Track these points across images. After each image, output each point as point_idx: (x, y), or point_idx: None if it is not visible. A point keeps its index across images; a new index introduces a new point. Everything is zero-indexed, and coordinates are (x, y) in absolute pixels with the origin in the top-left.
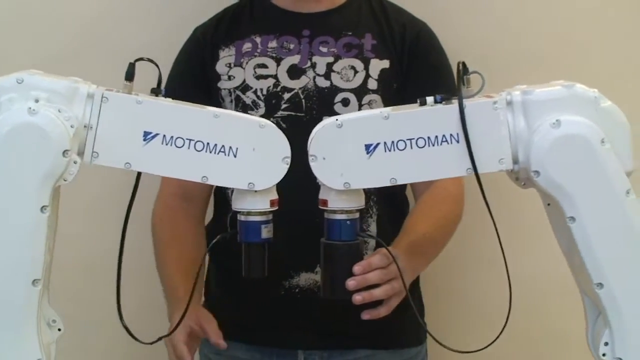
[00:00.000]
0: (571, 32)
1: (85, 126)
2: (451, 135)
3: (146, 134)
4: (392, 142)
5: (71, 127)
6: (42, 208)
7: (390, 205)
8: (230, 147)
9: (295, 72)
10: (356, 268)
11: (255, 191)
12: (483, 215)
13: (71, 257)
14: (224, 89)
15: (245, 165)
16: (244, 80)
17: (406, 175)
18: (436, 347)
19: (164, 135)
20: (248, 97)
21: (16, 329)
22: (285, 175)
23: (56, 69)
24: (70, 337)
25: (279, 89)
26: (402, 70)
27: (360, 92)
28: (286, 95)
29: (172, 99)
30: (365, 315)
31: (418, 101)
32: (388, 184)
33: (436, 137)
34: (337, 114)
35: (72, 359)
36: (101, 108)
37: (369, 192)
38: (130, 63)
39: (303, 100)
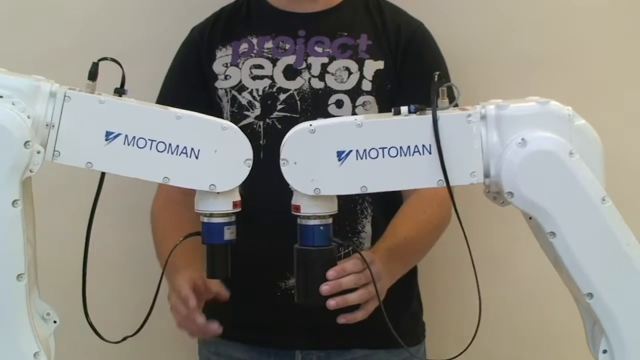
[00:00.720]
0: (570, 32)
1: (47, 125)
2: (423, 146)
3: (108, 133)
4: (365, 150)
5: (28, 117)
6: (14, 202)
7: (384, 206)
8: (192, 149)
9: (290, 72)
10: (330, 273)
11: (218, 193)
12: (481, 214)
13: (70, 257)
14: (221, 88)
15: (206, 166)
16: (240, 81)
17: (377, 184)
18: (434, 346)
19: (126, 135)
20: (244, 98)
21: (9, 326)
22: (281, 177)
23: (55, 69)
24: (70, 337)
25: (274, 89)
26: (396, 71)
27: (354, 93)
28: (282, 96)
29: (170, 98)
30: (341, 319)
31: (392, 110)
32: (358, 192)
33: (408, 147)
34: (331, 115)
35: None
36: (63, 107)
37: (364, 193)
38: (94, 63)
39: (298, 102)
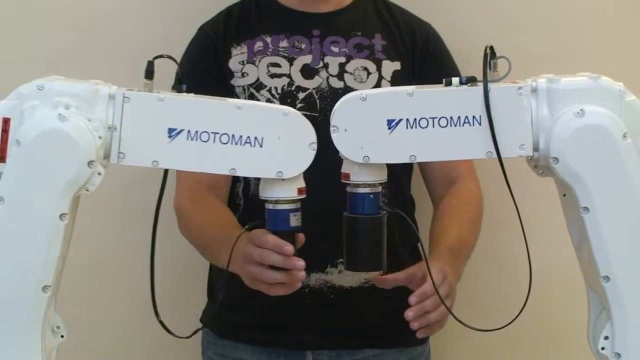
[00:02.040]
0: (576, 32)
1: (109, 127)
2: (474, 117)
3: (170, 130)
4: (415, 119)
5: (99, 137)
6: (61, 216)
7: (397, 206)
8: (256, 138)
9: (308, 72)
10: (412, 299)
11: (283, 179)
12: (488, 214)
13: (73, 257)
14: (238, 86)
15: (272, 154)
16: (258, 78)
17: (426, 154)
18: (438, 345)
19: (189, 131)
20: (262, 96)
21: (21, 333)
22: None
23: (58, 69)
24: (71, 338)
25: (293, 88)
26: (413, 73)
27: None
28: (301, 95)
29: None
30: (418, 330)
31: (443, 81)
32: (407, 161)
33: (459, 117)
34: None
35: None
36: (123, 108)
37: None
38: (149, 61)
39: (317, 101)
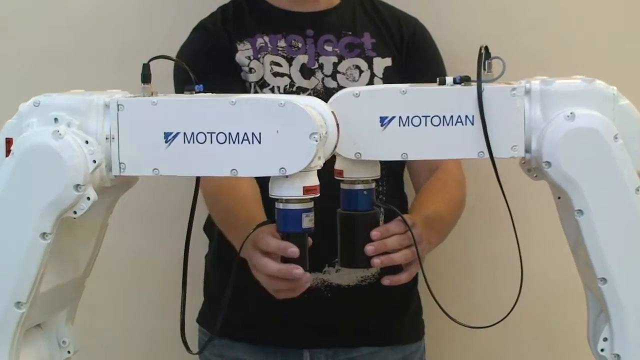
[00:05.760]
0: (568, 30)
1: (107, 138)
2: (466, 116)
3: (167, 134)
4: (407, 117)
5: (93, 162)
6: (43, 235)
7: (395, 203)
8: (253, 133)
9: (306, 72)
10: (374, 233)
11: (287, 176)
12: (484, 213)
13: None
14: (246, 81)
15: (271, 149)
16: (263, 76)
17: (418, 152)
18: (433, 342)
19: (184, 133)
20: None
21: None
22: None
23: (57, 69)
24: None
25: (294, 89)
26: (403, 67)
27: None
28: (302, 96)
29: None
30: (385, 281)
31: (437, 80)
32: (399, 159)
33: (451, 117)
34: None
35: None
36: (119, 116)
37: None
38: (144, 64)
39: None
